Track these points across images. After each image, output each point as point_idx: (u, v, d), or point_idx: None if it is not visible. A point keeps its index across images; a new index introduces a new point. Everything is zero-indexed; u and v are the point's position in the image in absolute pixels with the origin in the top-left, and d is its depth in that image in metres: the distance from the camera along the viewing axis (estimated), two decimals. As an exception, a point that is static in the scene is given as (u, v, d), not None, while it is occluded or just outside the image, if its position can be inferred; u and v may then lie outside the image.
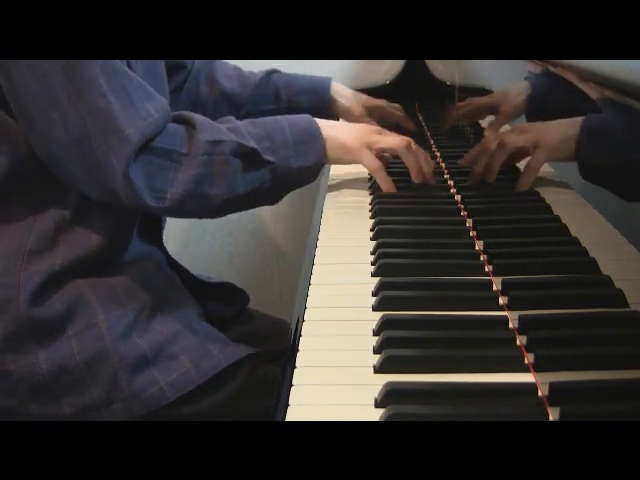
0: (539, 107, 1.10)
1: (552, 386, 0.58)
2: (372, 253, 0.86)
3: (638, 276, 0.79)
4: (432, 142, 1.35)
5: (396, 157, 1.08)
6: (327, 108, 1.31)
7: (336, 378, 0.62)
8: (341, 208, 1.05)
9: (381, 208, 1.00)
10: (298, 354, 0.65)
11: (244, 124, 0.97)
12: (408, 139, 1.06)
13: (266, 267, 1.98)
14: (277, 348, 1.11)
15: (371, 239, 0.91)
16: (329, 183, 1.14)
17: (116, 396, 0.91)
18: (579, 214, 0.96)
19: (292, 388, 0.60)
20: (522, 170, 1.05)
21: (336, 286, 0.79)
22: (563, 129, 0.98)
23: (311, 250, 0.89)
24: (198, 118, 0.94)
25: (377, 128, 1.09)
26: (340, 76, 1.78)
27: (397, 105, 1.39)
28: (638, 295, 0.73)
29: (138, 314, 0.95)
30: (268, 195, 0.99)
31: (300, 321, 0.71)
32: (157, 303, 0.98)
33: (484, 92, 1.42)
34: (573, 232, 0.89)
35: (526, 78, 1.14)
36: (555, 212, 0.96)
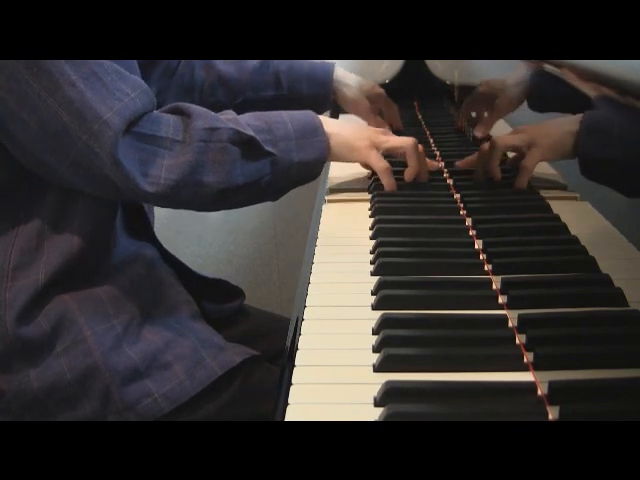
0: (540, 97, 1.09)
1: (551, 385, 0.58)
2: (371, 252, 0.86)
3: (637, 275, 0.79)
4: (432, 141, 1.35)
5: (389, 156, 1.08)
6: (328, 95, 1.27)
7: (335, 377, 0.62)
8: (340, 207, 1.05)
9: (380, 207, 1.00)
10: (297, 353, 0.65)
11: (244, 116, 0.95)
12: (414, 139, 1.05)
13: (265, 266, 1.99)
14: (276, 345, 1.10)
15: (370, 238, 0.91)
16: (328, 182, 1.14)
17: (110, 409, 0.90)
18: (578, 213, 0.96)
19: (291, 387, 0.60)
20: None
21: (335, 285, 0.79)
22: (561, 127, 0.97)
23: (310, 249, 0.89)
24: (194, 107, 0.92)
25: (381, 129, 1.08)
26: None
27: (394, 105, 1.38)
28: (637, 294, 0.73)
29: (127, 324, 0.94)
30: (268, 189, 0.96)
31: (299, 320, 0.71)
32: (148, 310, 0.97)
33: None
34: (572, 231, 0.89)
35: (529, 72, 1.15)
36: (554, 211, 0.96)
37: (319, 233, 0.94)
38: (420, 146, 1.06)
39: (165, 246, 1.10)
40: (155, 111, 0.90)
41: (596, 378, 0.60)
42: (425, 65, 1.66)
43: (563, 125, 0.97)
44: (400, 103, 1.41)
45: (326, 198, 1.08)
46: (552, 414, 0.56)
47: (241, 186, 0.92)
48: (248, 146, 0.92)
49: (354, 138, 1.01)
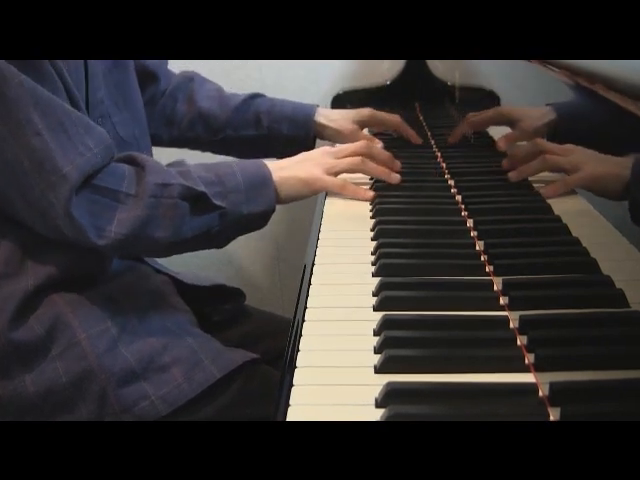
0: (564, 134, 1.07)
1: (552, 386, 0.58)
2: (372, 253, 0.86)
3: (638, 276, 0.79)
4: (433, 142, 1.35)
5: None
6: (308, 137, 1.27)
7: (337, 378, 0.62)
8: (341, 208, 1.05)
9: (381, 208, 1.00)
10: (299, 354, 0.65)
11: (195, 168, 0.96)
12: (359, 154, 1.05)
13: (266, 267, 1.98)
14: (278, 346, 1.10)
15: (372, 239, 0.91)
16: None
17: (106, 412, 0.90)
18: (580, 214, 0.96)
19: (293, 388, 0.60)
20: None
21: (336, 286, 0.79)
22: (612, 166, 0.93)
23: (311, 250, 0.89)
24: (148, 160, 0.93)
25: (331, 150, 1.07)
26: (340, 76, 1.79)
27: (395, 115, 1.32)
28: (638, 295, 0.73)
29: (123, 326, 0.94)
30: (216, 239, 0.97)
31: (300, 321, 0.71)
32: (144, 313, 0.97)
33: (484, 92, 1.42)
34: (574, 232, 0.89)
35: (548, 104, 1.12)
36: (556, 212, 0.96)
37: (320, 234, 0.94)
38: (368, 149, 1.06)
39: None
40: (112, 162, 0.90)
41: (597, 379, 0.60)
42: (426, 66, 1.66)
43: (614, 165, 0.93)
44: (401, 104, 1.41)
45: (327, 199, 1.07)
46: (553, 415, 0.55)
47: (189, 239, 0.93)
48: (198, 201, 0.92)
49: (304, 173, 1.01)
